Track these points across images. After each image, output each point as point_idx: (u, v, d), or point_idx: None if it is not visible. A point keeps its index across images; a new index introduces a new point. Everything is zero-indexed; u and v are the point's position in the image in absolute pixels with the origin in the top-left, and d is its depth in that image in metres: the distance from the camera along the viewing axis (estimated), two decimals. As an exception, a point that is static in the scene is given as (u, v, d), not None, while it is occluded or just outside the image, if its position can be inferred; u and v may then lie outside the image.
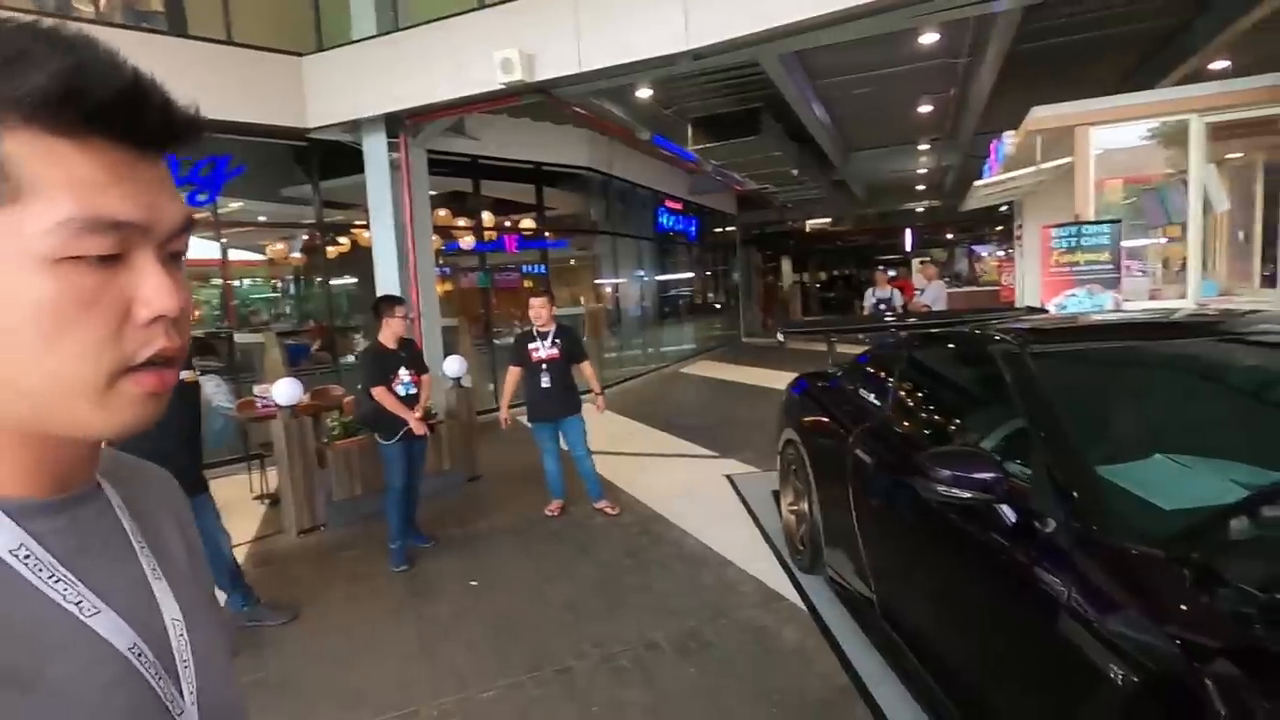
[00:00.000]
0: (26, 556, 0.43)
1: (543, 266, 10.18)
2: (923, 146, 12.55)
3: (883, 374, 3.07)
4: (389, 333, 4.06)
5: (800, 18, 5.04)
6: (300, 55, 6.51)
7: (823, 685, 2.62)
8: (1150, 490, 1.64)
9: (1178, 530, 1.46)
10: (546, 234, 9.88)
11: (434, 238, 7.52)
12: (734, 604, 3.34)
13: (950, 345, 2.77)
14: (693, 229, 14.92)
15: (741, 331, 18.91)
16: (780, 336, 5.41)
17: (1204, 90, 5.79)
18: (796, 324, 8.22)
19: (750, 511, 4.59)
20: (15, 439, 0.44)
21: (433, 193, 7.36)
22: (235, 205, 7.12)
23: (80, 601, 0.45)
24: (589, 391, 4.75)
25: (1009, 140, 7.05)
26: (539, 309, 4.49)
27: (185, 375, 3.15)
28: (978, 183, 8.98)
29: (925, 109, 10.04)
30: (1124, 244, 5.88)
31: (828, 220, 22.80)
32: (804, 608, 3.22)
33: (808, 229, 24.62)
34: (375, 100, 6.24)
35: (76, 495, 0.48)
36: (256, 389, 5.25)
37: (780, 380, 10.27)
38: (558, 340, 4.51)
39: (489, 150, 8.42)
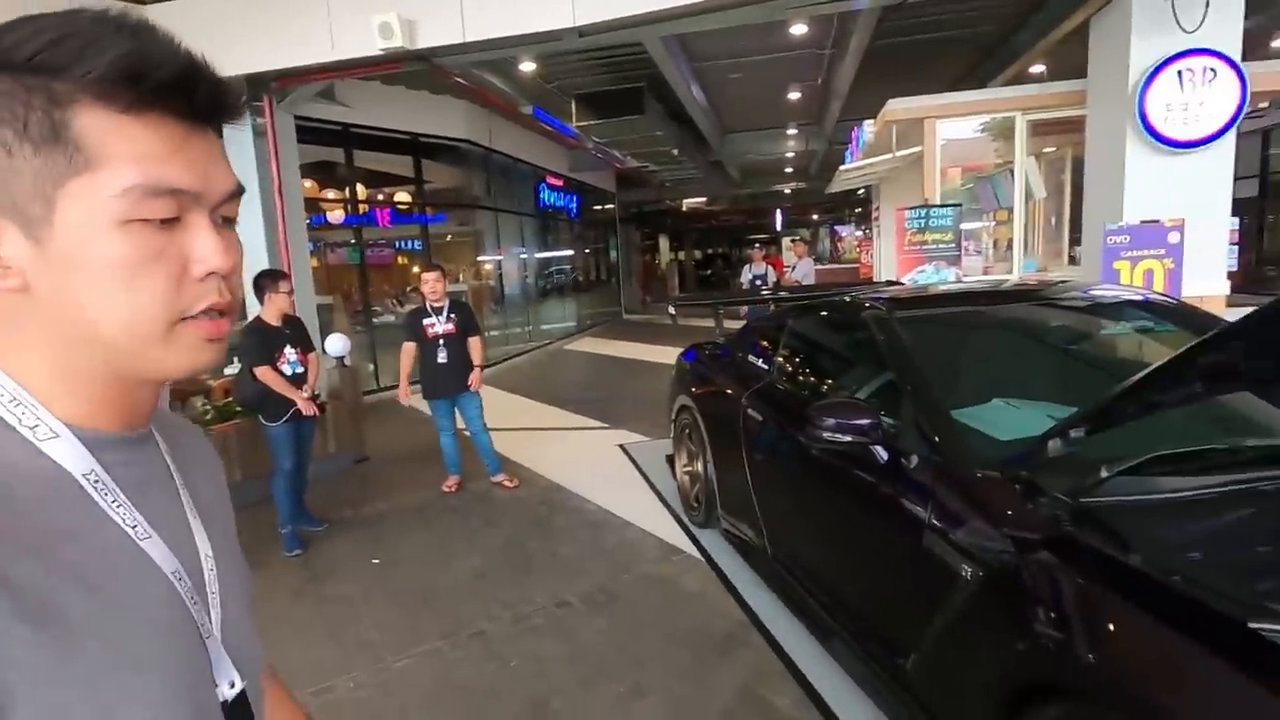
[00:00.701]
0: (96, 481, 0.49)
1: (420, 242, 9.86)
2: (791, 131, 13.28)
3: (768, 341, 3.37)
4: (273, 309, 3.87)
5: (683, 2, 5.23)
6: (144, 2, 5.87)
7: (723, 623, 2.89)
8: (990, 427, 1.99)
9: (1008, 458, 1.79)
10: (426, 209, 9.57)
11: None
12: (637, 560, 3.55)
13: (827, 313, 3.10)
14: (574, 206, 14.94)
15: (622, 309, 19.23)
16: (672, 310, 5.67)
17: (1026, 91, 6.62)
18: (687, 298, 8.54)
19: (645, 477, 4.83)
20: (95, 379, 0.50)
21: (300, 163, 6.94)
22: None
23: (136, 526, 0.50)
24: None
25: (868, 128, 7.69)
26: (434, 284, 4.44)
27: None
28: (843, 167, 9.69)
29: (794, 95, 10.65)
30: (963, 226, 6.65)
31: (703, 200, 23.52)
32: (701, 559, 3.49)
33: (684, 208, 25.28)
34: (236, 59, 5.77)
35: (139, 435, 0.55)
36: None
37: (662, 355, 10.71)
38: (453, 315, 4.48)
39: (361, 118, 8.02)
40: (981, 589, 1.62)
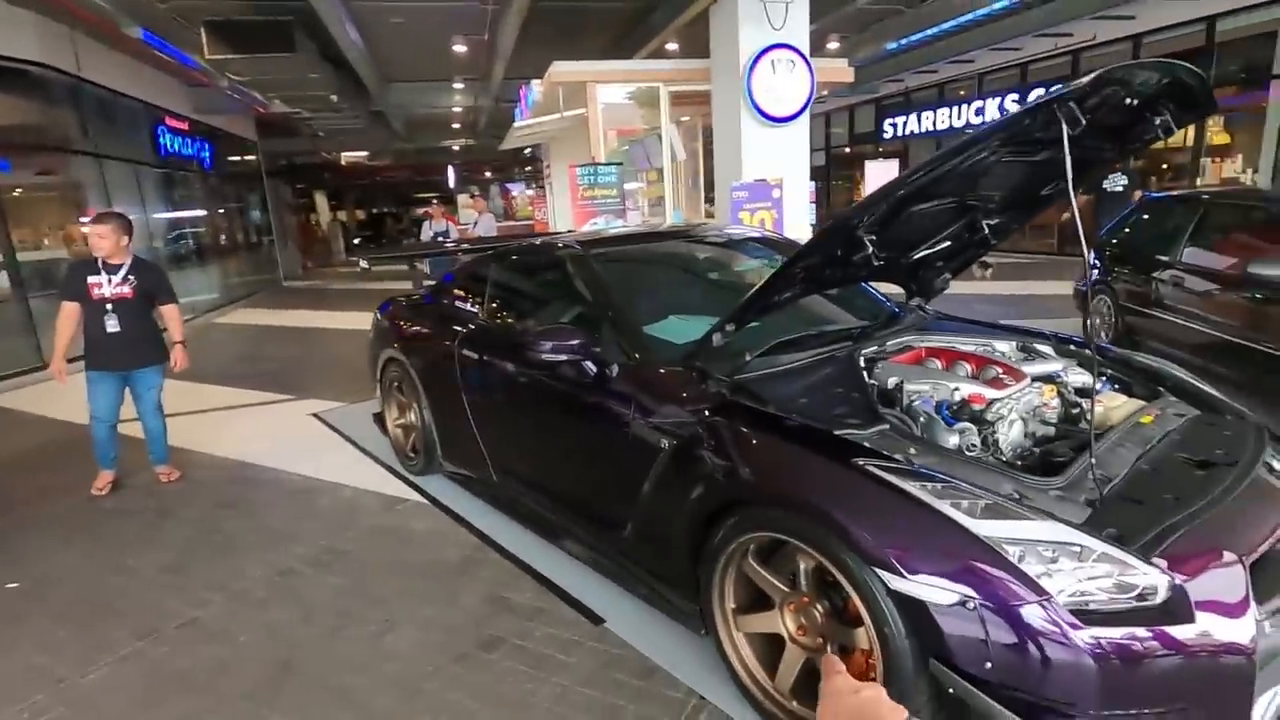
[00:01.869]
0: None
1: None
2: (458, 85, 13.12)
3: (472, 288, 3.55)
4: None
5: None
6: None
7: (458, 549, 3.09)
8: (670, 335, 2.51)
9: (685, 355, 2.32)
10: (-12, 150, 7.33)
11: None
12: (358, 517, 3.51)
13: (527, 257, 3.40)
14: (207, 155, 12.74)
15: (280, 275, 17.16)
16: (364, 263, 5.40)
17: (666, 66, 7.66)
18: (380, 253, 8.15)
19: (349, 439, 4.66)
20: None
21: None
22: None
23: None
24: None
25: (536, 88, 8.09)
26: (106, 235, 3.61)
27: None
28: (515, 124, 10.00)
29: (460, 49, 10.55)
30: (626, 186, 7.52)
31: (365, 154, 21.91)
32: (427, 503, 3.60)
33: (343, 162, 23.23)
34: None
35: None
36: None
37: (336, 321, 10.07)
38: (130, 276, 3.71)
39: None
40: (675, 454, 2.11)
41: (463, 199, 14.56)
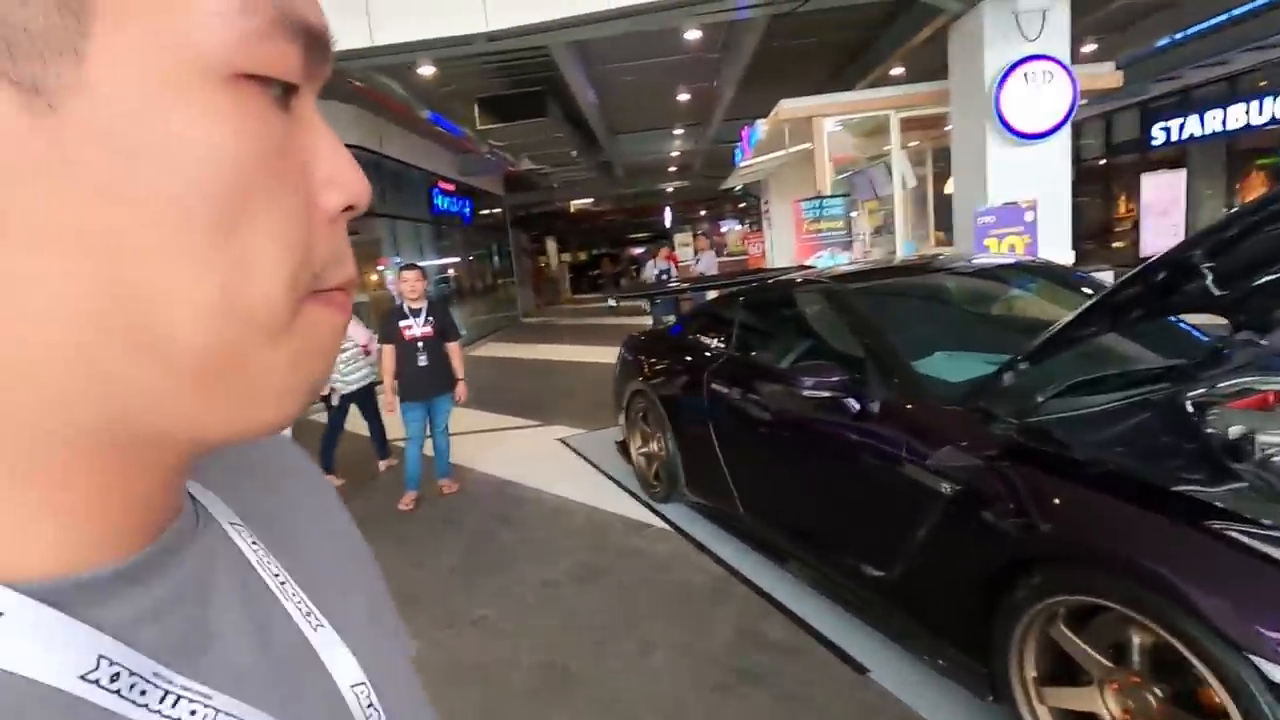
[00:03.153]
0: (115, 677, 0.23)
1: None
2: (678, 131, 13.83)
3: (722, 321, 3.68)
4: None
5: (590, 9, 5.46)
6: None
7: (705, 578, 3.17)
8: (941, 373, 2.38)
9: (964, 394, 2.19)
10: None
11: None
12: (609, 538, 3.76)
13: (779, 292, 3.46)
14: (467, 211, 14.75)
15: (519, 312, 19.16)
16: (612, 301, 5.90)
17: (898, 92, 7.39)
18: (626, 291, 8.86)
19: (594, 465, 5.03)
20: (85, 459, 0.23)
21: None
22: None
23: None
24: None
25: (761, 127, 8.24)
26: (413, 283, 4.34)
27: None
28: (740, 163, 10.27)
29: (684, 97, 11.14)
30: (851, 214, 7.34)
31: (590, 200, 23.80)
32: (670, 529, 3.75)
33: (572, 209, 25.42)
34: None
35: (172, 536, 0.28)
36: None
37: (570, 354, 10.88)
38: (431, 317, 4.39)
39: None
40: (956, 500, 1.98)
41: (680, 237, 15.17)
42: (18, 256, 0.20)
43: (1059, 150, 5.98)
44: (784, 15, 6.28)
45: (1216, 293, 1.80)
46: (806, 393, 2.42)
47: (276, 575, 0.33)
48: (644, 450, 4.23)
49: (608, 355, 5.84)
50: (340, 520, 0.42)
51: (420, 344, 4.34)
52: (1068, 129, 5.87)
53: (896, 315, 2.87)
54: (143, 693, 0.24)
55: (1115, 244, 14.80)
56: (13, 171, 0.20)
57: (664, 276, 9.85)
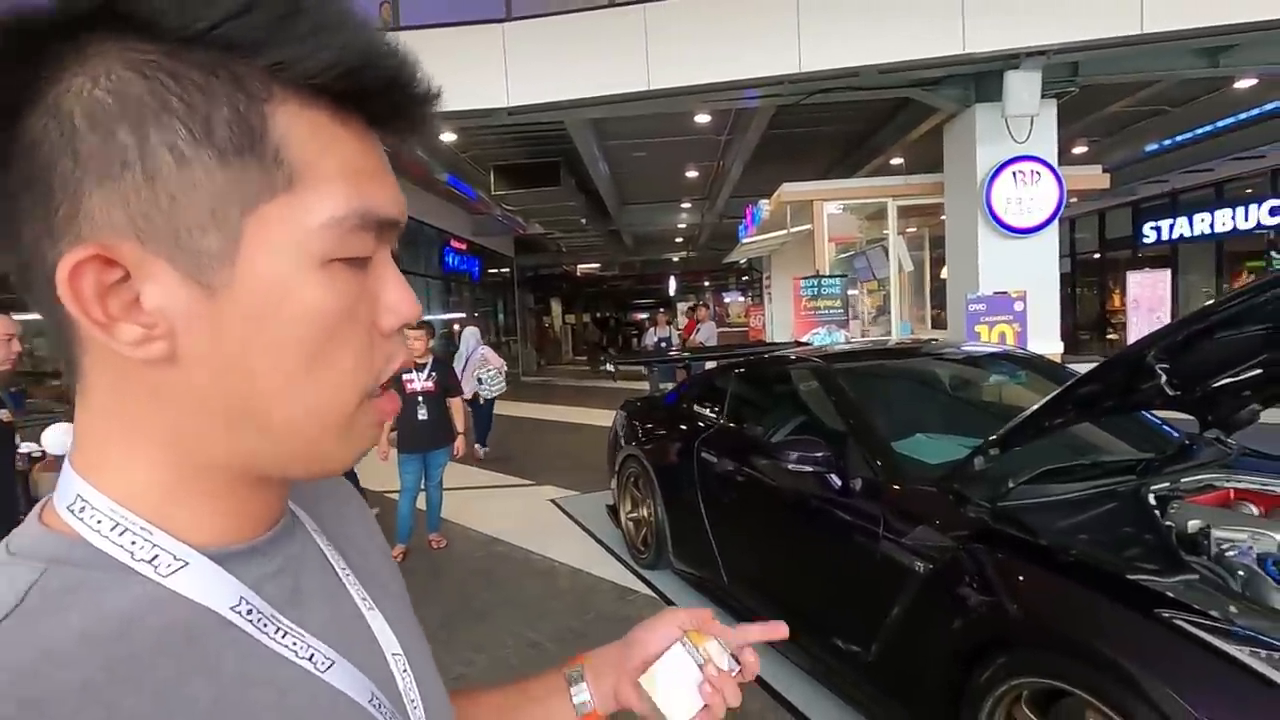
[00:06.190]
0: (250, 612, 0.37)
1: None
2: (685, 205, 14.34)
3: (715, 392, 3.80)
4: None
5: (606, 92, 5.83)
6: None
7: (687, 649, 3.17)
8: (920, 454, 2.48)
9: (940, 476, 2.28)
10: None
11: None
12: (595, 602, 3.76)
13: (771, 367, 3.59)
14: (475, 269, 15.13)
15: (521, 371, 19.32)
16: (611, 367, 6.04)
17: (895, 181, 7.76)
18: (625, 357, 9.03)
19: (583, 527, 5.05)
20: (229, 481, 0.38)
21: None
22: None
23: (312, 655, 0.39)
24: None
25: (764, 207, 8.60)
26: (420, 340, 4.50)
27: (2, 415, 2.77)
28: (743, 240, 10.63)
29: (692, 174, 11.63)
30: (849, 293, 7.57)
31: (597, 265, 24.35)
32: (656, 597, 3.76)
33: (579, 273, 25.97)
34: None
35: (281, 529, 0.42)
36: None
37: (568, 414, 10.93)
38: (434, 374, 4.52)
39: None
40: (930, 579, 2.05)
41: (681, 306, 15.48)
42: (191, 372, 0.34)
43: (1048, 245, 6.24)
44: (790, 105, 6.68)
45: (1171, 393, 1.92)
46: (791, 467, 2.52)
47: (343, 568, 0.46)
48: (633, 515, 4.28)
49: (604, 418, 5.94)
50: (378, 536, 0.56)
51: (421, 398, 4.46)
52: (1055, 226, 6.15)
53: (882, 396, 2.99)
54: (264, 625, 0.38)
55: (1110, 336, 15.06)
56: (184, 325, 0.33)
57: (664, 344, 10.03)
